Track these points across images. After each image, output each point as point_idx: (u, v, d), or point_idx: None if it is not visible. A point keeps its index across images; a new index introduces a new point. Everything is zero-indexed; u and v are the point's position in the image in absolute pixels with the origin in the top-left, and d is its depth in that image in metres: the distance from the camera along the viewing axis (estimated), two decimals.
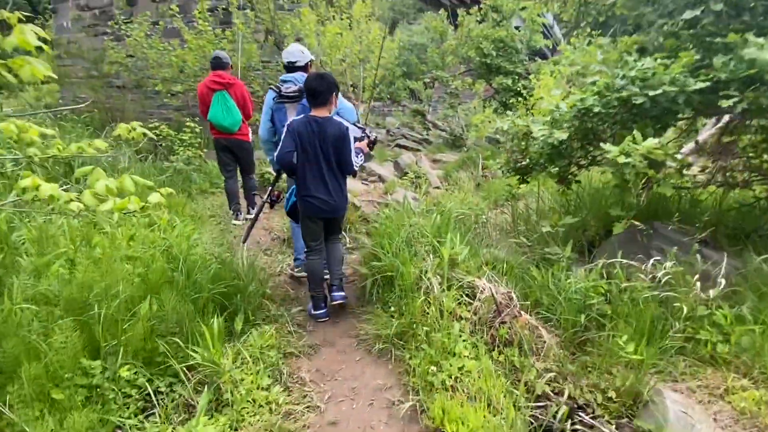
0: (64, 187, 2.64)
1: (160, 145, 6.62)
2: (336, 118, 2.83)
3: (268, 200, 3.30)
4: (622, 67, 2.75)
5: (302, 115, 2.82)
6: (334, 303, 3.11)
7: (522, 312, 2.56)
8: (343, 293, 3.13)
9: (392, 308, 2.83)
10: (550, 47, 12.39)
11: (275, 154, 2.83)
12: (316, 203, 2.85)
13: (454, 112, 11.96)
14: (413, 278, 2.77)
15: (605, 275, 2.71)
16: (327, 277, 3.21)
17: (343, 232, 3.74)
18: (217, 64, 4.17)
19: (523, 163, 3.50)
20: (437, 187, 7.35)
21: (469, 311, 2.58)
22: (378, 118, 15.39)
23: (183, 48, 6.84)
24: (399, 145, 13.20)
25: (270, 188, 3.32)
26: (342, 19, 7.61)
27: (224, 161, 4.44)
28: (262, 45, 8.80)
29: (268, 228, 4.57)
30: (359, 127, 3.08)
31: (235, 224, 4.47)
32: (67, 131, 9.59)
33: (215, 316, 2.45)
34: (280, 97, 3.10)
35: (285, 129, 2.78)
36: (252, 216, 3.73)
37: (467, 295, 2.69)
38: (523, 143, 3.42)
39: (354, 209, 4.74)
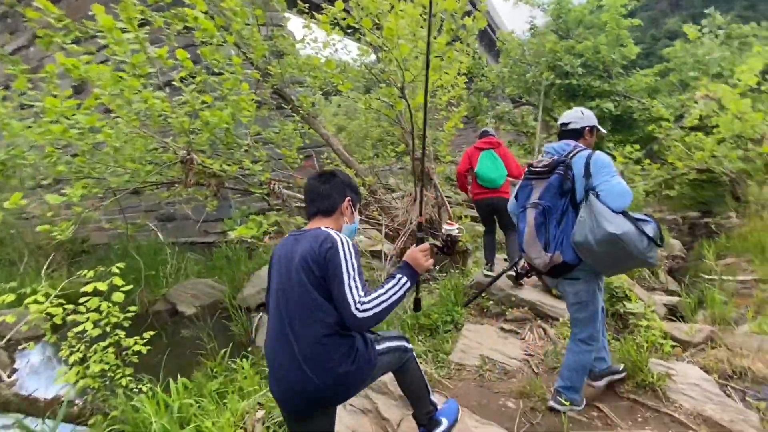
0: None
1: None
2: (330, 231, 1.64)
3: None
4: None
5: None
6: None
7: None
8: None
9: None
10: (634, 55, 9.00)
11: None
12: (276, 386, 1.62)
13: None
14: None
15: None
16: None
17: None
18: (485, 132, 4.43)
19: None
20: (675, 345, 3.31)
21: None
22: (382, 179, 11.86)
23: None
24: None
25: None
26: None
27: (486, 220, 4.53)
28: (260, 101, 5.43)
29: None
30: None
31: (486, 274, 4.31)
32: None
33: None
34: (528, 172, 2.40)
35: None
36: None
37: None
38: None
39: None
